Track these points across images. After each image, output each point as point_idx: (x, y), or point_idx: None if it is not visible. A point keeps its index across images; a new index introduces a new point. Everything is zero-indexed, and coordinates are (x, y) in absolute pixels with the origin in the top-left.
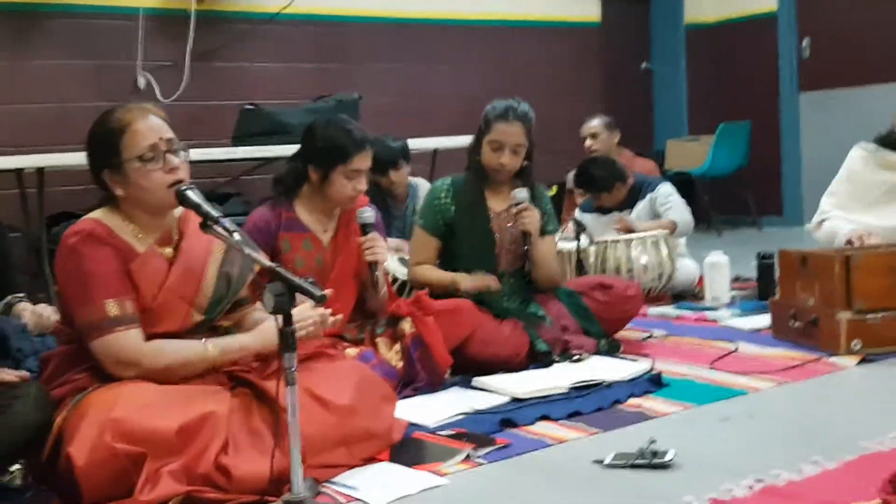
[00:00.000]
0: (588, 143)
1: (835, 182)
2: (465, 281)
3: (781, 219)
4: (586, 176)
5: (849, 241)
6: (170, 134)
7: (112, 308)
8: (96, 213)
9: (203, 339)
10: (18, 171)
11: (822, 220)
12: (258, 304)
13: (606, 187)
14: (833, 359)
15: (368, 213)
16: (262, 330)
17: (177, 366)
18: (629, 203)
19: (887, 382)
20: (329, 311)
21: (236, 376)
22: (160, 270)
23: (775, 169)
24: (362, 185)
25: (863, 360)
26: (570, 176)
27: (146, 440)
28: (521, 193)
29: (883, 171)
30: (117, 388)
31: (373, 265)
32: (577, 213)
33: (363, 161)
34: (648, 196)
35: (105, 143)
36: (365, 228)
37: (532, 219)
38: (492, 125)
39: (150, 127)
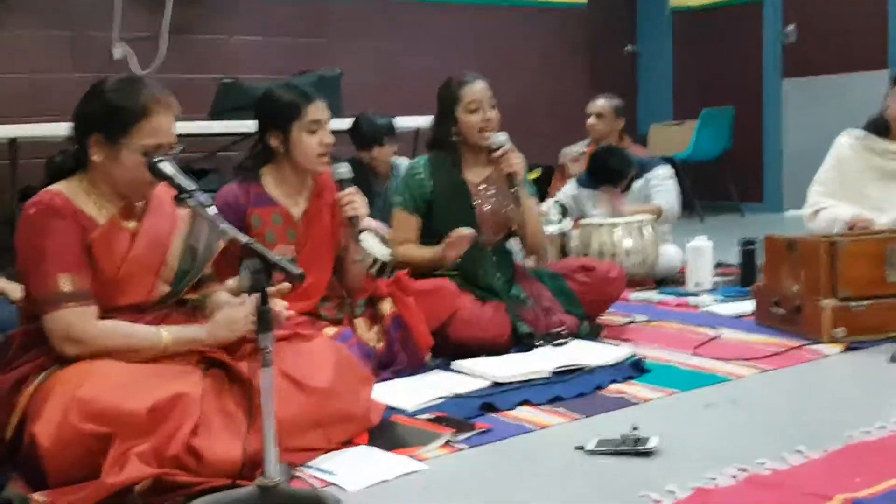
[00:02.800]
0: (591, 121)
1: (822, 171)
2: (445, 251)
3: (762, 205)
4: (604, 171)
5: (851, 227)
6: (175, 137)
7: (64, 283)
8: (58, 185)
9: (158, 327)
10: None
11: (819, 210)
12: (228, 282)
13: (622, 178)
14: (817, 346)
15: (344, 169)
16: (218, 324)
17: (124, 350)
18: (628, 185)
19: (872, 371)
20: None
21: (209, 357)
22: (122, 241)
23: (757, 155)
24: (328, 137)
25: (847, 348)
26: (563, 151)
27: (114, 420)
28: (500, 137)
29: (872, 158)
30: (85, 367)
31: (353, 220)
32: (572, 187)
33: (318, 111)
34: (645, 176)
35: (116, 117)
36: (342, 184)
37: (517, 159)
38: (460, 91)
39: (169, 127)
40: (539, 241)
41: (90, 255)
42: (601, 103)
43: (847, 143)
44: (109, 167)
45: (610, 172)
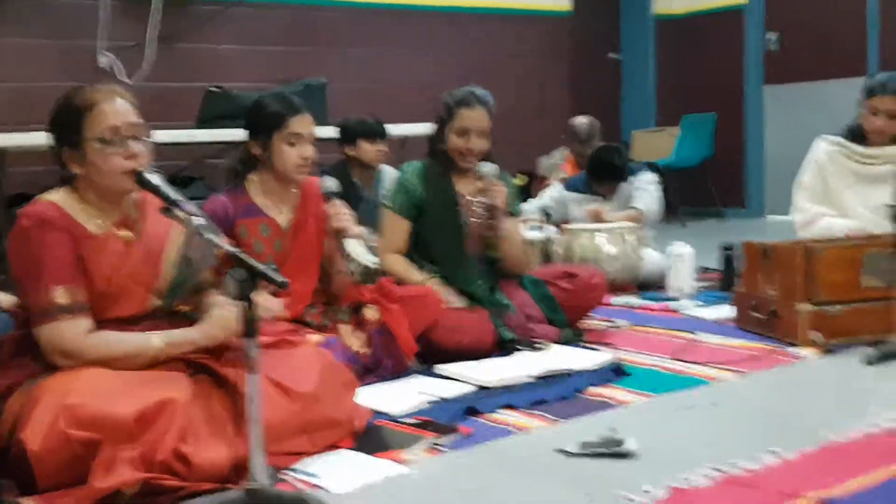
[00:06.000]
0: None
1: (804, 176)
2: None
3: (745, 210)
4: (609, 168)
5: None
6: (135, 119)
7: (60, 295)
8: (52, 195)
9: (149, 333)
10: None
11: (813, 219)
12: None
13: (625, 173)
14: (793, 349)
15: (330, 182)
16: (211, 322)
17: (119, 358)
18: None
19: (846, 374)
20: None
21: (196, 362)
22: (116, 253)
23: (739, 161)
24: (307, 150)
25: (823, 352)
26: (541, 160)
27: (102, 426)
28: (487, 167)
29: (848, 163)
30: (73, 374)
31: (339, 232)
32: (558, 190)
33: (300, 124)
34: (630, 179)
35: (68, 120)
36: (327, 197)
37: (499, 193)
38: (455, 112)
39: (116, 110)
40: (519, 265)
41: (83, 267)
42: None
43: (824, 148)
44: (88, 173)
45: (615, 168)
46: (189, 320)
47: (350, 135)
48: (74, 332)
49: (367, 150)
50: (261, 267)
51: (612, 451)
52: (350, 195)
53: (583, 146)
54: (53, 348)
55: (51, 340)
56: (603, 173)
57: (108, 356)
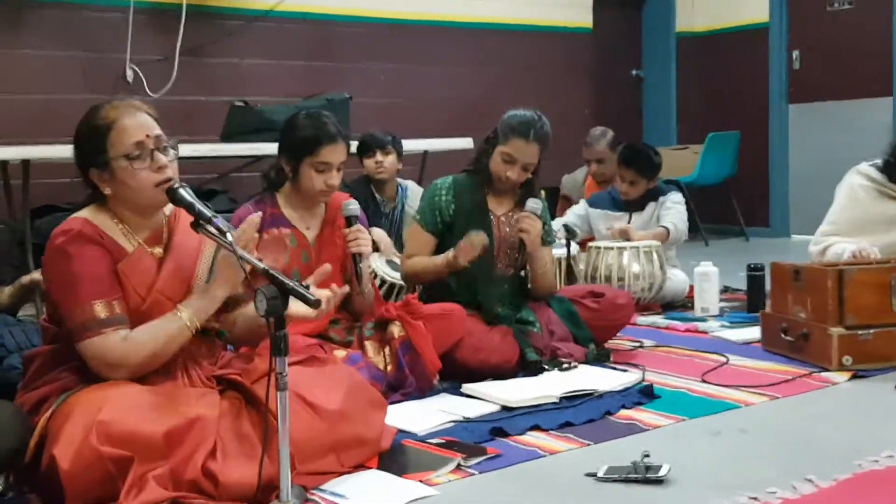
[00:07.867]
0: (595, 168)
1: (835, 210)
2: (455, 257)
3: (768, 229)
4: (643, 158)
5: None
6: (158, 131)
7: (100, 309)
8: (84, 212)
9: (171, 313)
10: (3, 163)
11: (826, 248)
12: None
13: (655, 173)
14: (824, 374)
15: (353, 206)
16: (219, 272)
17: (162, 347)
18: (642, 204)
19: (879, 399)
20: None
21: (225, 380)
22: (149, 270)
23: (763, 179)
24: (334, 179)
25: (854, 376)
26: (565, 179)
27: (133, 444)
28: (533, 204)
29: (886, 201)
30: (104, 390)
31: (356, 257)
32: (582, 207)
33: (332, 154)
34: (660, 199)
35: (91, 141)
36: (349, 221)
37: (531, 228)
38: (509, 138)
39: (138, 124)
40: (546, 289)
41: (119, 282)
42: (601, 149)
43: (860, 184)
44: (119, 192)
45: (652, 163)
46: (221, 338)
47: (366, 147)
48: (116, 343)
49: (365, 164)
50: (291, 284)
51: (644, 476)
52: (371, 210)
53: (588, 149)
54: (99, 362)
55: (95, 354)
56: (634, 157)
57: (149, 352)
